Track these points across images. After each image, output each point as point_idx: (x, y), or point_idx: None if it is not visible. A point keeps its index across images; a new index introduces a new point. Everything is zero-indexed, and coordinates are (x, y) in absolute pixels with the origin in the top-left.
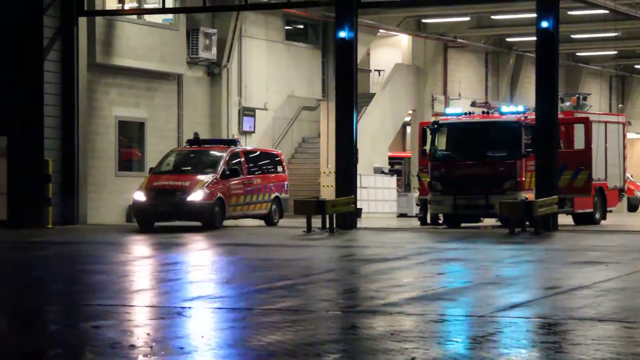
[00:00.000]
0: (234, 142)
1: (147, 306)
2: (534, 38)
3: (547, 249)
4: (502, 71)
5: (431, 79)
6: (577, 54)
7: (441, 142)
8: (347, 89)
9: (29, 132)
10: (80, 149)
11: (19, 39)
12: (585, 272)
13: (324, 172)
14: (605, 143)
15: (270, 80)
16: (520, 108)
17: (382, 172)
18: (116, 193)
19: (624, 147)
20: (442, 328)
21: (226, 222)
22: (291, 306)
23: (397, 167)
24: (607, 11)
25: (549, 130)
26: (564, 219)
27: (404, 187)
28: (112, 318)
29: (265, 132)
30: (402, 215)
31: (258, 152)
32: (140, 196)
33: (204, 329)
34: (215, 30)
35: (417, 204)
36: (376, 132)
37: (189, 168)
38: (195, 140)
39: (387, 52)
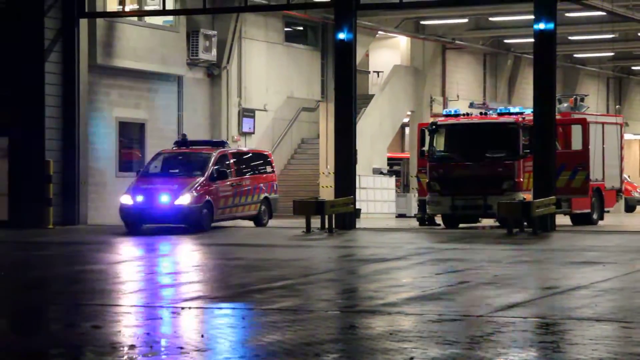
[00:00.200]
0: (222, 143)
1: (146, 306)
2: (532, 40)
3: (544, 250)
4: (500, 72)
5: (430, 80)
6: (575, 55)
7: (439, 143)
8: (346, 90)
9: (29, 133)
10: (80, 149)
11: (20, 40)
12: (582, 272)
13: (323, 173)
14: (603, 144)
15: (270, 81)
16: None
17: (381, 173)
18: (116, 194)
19: (621, 148)
20: (440, 328)
21: (225, 223)
22: (290, 306)
23: (395, 167)
24: (604, 13)
25: (546, 131)
26: (562, 220)
27: (403, 187)
28: (112, 318)
29: (264, 133)
30: (400, 216)
31: (246, 153)
32: (127, 199)
33: (204, 329)
34: (215, 32)
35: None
36: (375, 133)
37: (177, 170)
38: (183, 142)
39: (386, 53)
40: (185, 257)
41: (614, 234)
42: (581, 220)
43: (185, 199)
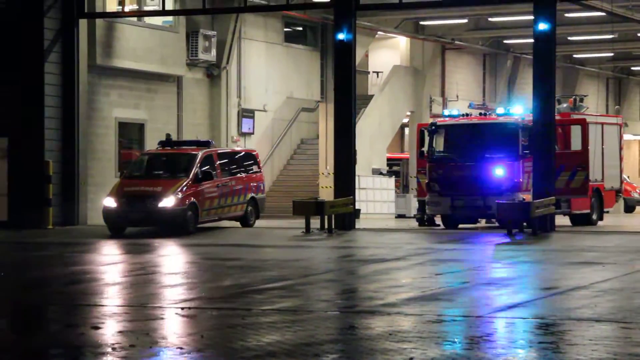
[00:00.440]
0: (207, 143)
1: (146, 306)
2: (531, 40)
3: (544, 250)
4: (499, 73)
5: (429, 81)
6: (574, 55)
7: (439, 144)
8: (346, 91)
9: (29, 133)
10: (80, 150)
11: (20, 41)
12: (582, 272)
13: (323, 173)
14: (602, 144)
15: (270, 81)
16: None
17: (381, 173)
18: None
19: (621, 149)
20: (440, 328)
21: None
22: (290, 306)
23: (395, 168)
24: (603, 13)
25: (546, 132)
26: (561, 220)
27: (402, 188)
28: (112, 318)
29: (264, 133)
30: (400, 216)
31: (232, 153)
32: (110, 202)
33: (204, 329)
34: (215, 32)
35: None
36: (374, 134)
37: (161, 172)
38: (168, 142)
39: (386, 53)
40: (185, 258)
41: (614, 234)
42: (581, 221)
43: (169, 202)
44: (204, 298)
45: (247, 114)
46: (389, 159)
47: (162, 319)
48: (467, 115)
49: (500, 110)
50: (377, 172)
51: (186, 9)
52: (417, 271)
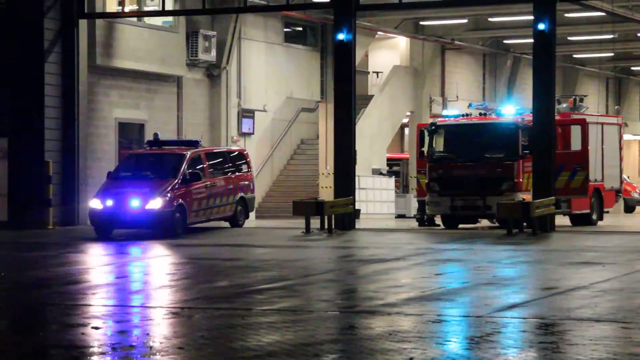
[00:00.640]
0: (195, 143)
1: (146, 306)
2: (531, 40)
3: (544, 250)
4: (499, 73)
5: (429, 81)
6: (574, 55)
7: (439, 144)
8: (346, 91)
9: (29, 133)
10: (80, 150)
11: (20, 41)
12: (582, 272)
13: (323, 173)
14: (602, 144)
15: (269, 82)
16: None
17: (381, 174)
18: None
19: (621, 149)
20: (440, 328)
21: (220, 224)
22: (290, 306)
23: (395, 168)
24: (603, 13)
25: (546, 132)
26: (561, 220)
27: (402, 188)
28: (112, 318)
29: (264, 133)
30: (400, 217)
31: (221, 152)
32: (96, 203)
33: (203, 329)
34: (215, 33)
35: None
36: (374, 134)
37: (148, 173)
38: (155, 142)
39: (385, 54)
40: (185, 258)
41: (614, 234)
42: (580, 221)
43: (156, 203)
44: (203, 298)
45: (247, 114)
46: (388, 159)
47: (162, 319)
48: (467, 115)
49: (504, 110)
50: (377, 172)
51: (186, 9)
52: (417, 271)
